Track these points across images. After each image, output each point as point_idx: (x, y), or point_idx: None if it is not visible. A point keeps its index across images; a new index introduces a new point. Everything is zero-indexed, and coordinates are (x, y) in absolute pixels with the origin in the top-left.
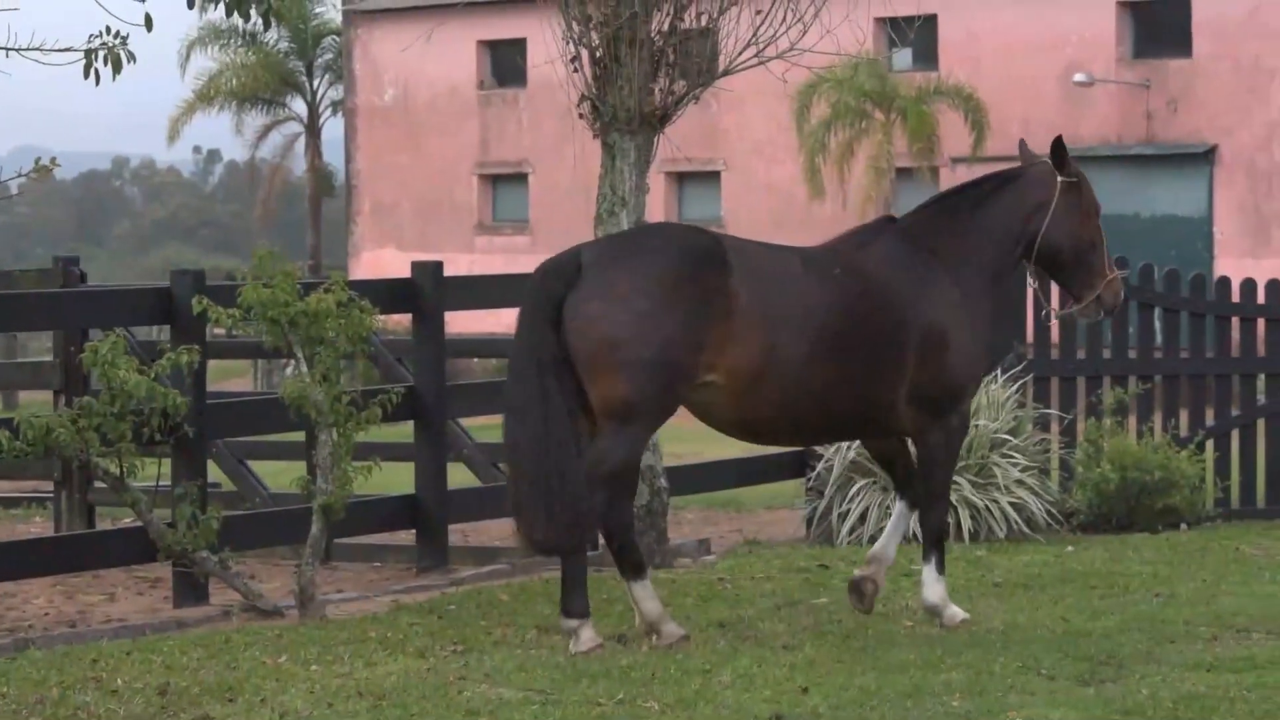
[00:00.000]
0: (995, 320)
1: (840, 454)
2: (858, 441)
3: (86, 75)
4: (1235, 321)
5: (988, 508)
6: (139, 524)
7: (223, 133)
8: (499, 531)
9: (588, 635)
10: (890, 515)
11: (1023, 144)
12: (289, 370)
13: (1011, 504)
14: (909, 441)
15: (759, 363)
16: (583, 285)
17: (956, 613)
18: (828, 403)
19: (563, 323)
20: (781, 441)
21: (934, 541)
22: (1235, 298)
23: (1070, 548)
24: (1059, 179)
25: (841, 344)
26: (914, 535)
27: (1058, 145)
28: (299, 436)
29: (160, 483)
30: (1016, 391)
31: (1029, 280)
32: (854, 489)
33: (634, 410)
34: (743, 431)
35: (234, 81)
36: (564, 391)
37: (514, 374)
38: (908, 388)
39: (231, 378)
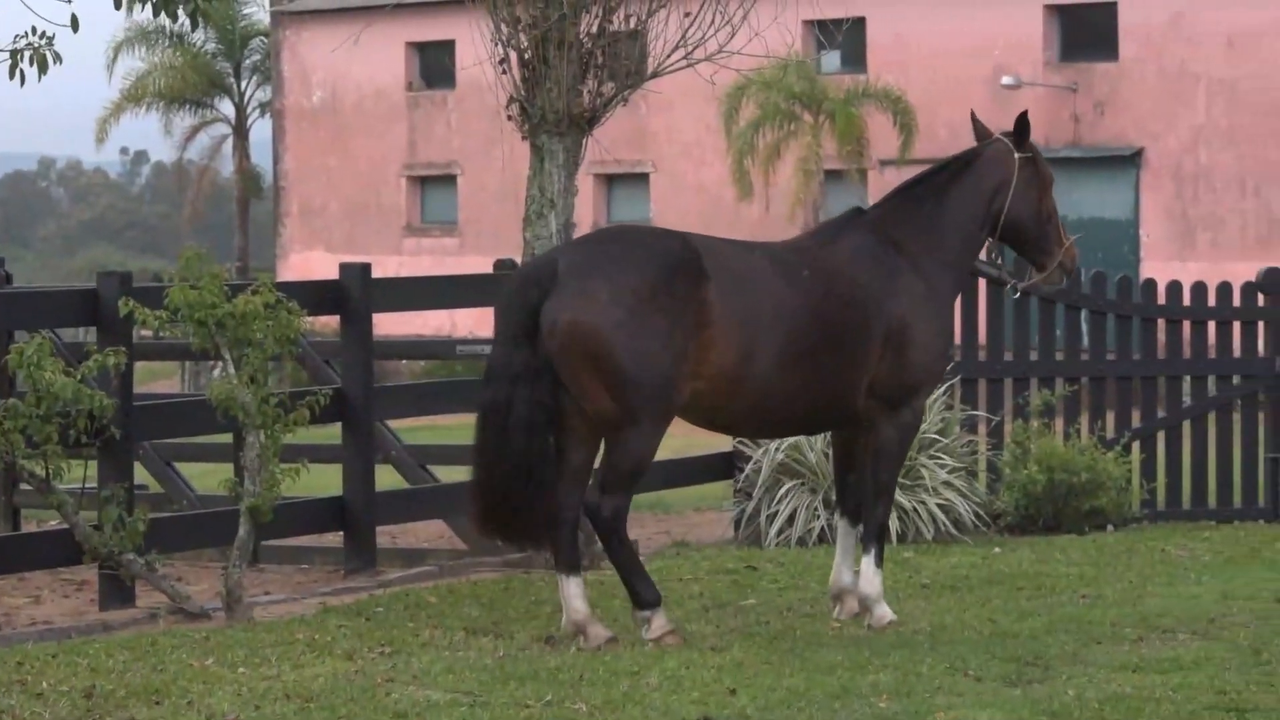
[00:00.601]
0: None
1: (769, 456)
2: (786, 443)
3: (12, 76)
4: (1161, 324)
5: (915, 509)
6: (65, 526)
7: (150, 134)
8: (427, 533)
9: (660, 622)
10: (816, 519)
11: (974, 117)
12: (216, 372)
13: (939, 505)
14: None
15: (737, 367)
16: (560, 294)
17: (886, 613)
18: (799, 398)
19: (540, 330)
20: (752, 435)
21: (875, 535)
22: (1161, 300)
23: (997, 549)
24: (1016, 155)
25: (812, 342)
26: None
27: (1021, 121)
28: (226, 438)
29: (87, 485)
30: (944, 393)
31: (983, 261)
32: (782, 491)
33: (631, 419)
34: (719, 428)
35: (161, 83)
36: (532, 402)
37: (487, 379)
38: (869, 380)
39: (159, 379)
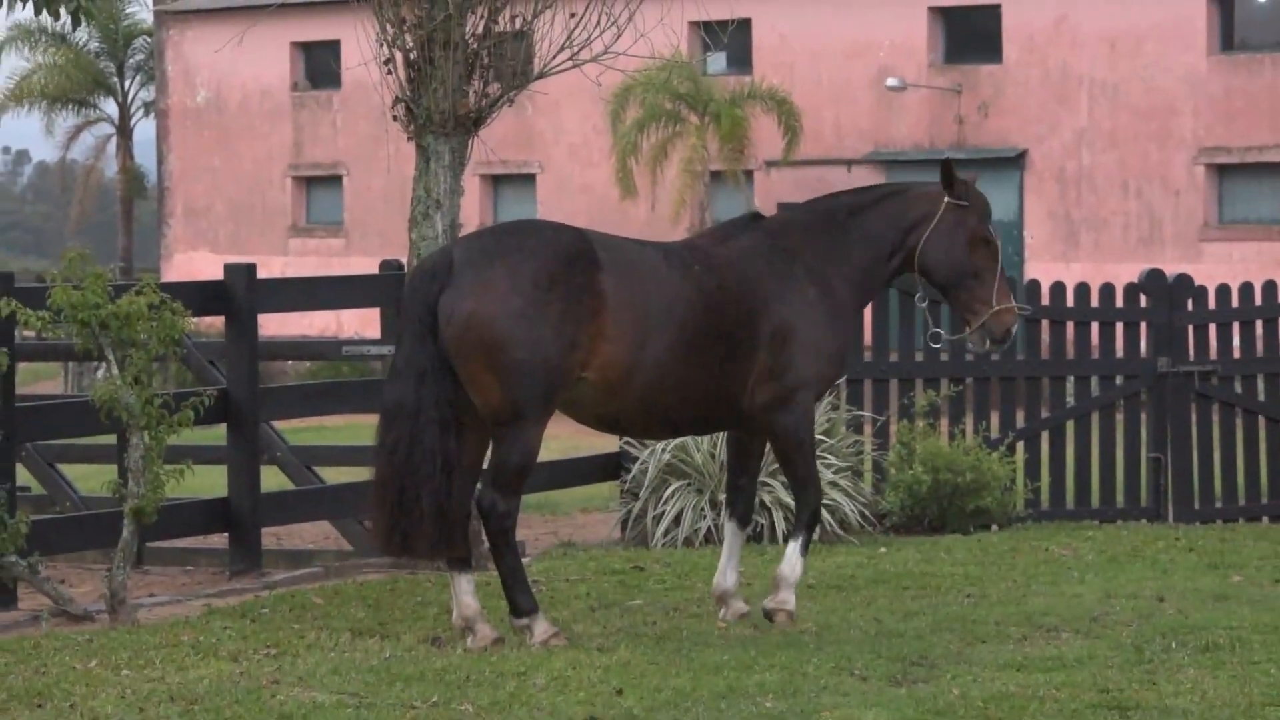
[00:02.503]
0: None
1: (655, 457)
2: (673, 444)
3: None
4: (1045, 325)
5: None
6: None
7: (32, 133)
8: (312, 535)
9: (542, 627)
10: (703, 519)
11: (947, 165)
12: (100, 373)
13: (825, 506)
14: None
15: (628, 360)
16: (458, 284)
17: (790, 600)
18: (688, 396)
19: (438, 325)
20: (642, 434)
21: (805, 524)
22: (1045, 301)
23: (883, 549)
24: (945, 198)
25: (701, 334)
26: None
27: (946, 167)
28: (110, 439)
29: None
30: (831, 394)
31: (919, 299)
32: (669, 491)
33: (518, 412)
34: (608, 426)
35: (44, 82)
36: (439, 401)
37: (391, 377)
38: (754, 379)
39: (41, 380)
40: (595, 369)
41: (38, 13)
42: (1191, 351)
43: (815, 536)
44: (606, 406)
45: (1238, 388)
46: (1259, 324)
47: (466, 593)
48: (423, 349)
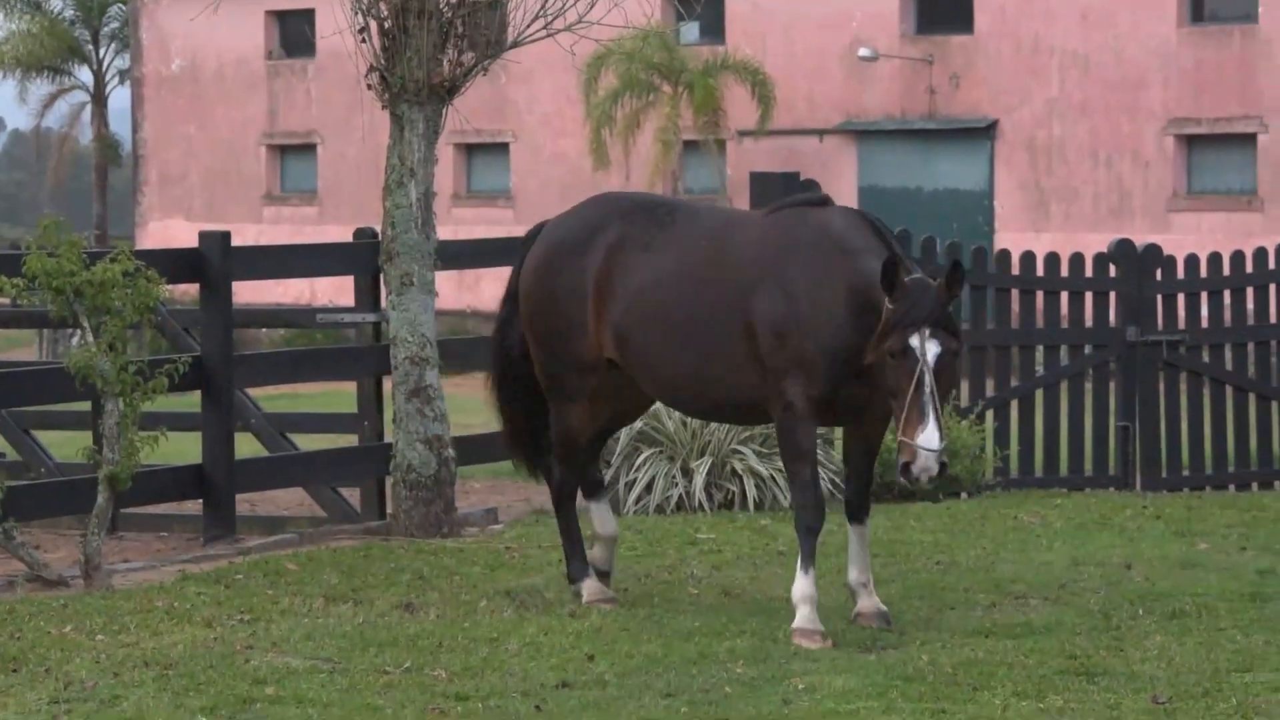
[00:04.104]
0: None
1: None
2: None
3: None
4: (1015, 294)
5: (773, 477)
6: None
7: (6, 101)
8: (286, 501)
9: (590, 588)
10: (675, 486)
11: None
12: (75, 340)
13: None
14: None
15: (614, 341)
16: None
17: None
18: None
19: None
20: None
21: (799, 533)
22: (1015, 271)
23: None
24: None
25: (686, 328)
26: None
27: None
28: (85, 406)
29: None
30: None
31: None
32: (640, 459)
33: (552, 387)
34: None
35: (19, 49)
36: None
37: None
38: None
39: (16, 347)
40: (608, 350)
41: None
42: (1160, 321)
43: (785, 504)
44: (642, 388)
45: (1206, 357)
46: (1227, 294)
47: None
48: (504, 308)
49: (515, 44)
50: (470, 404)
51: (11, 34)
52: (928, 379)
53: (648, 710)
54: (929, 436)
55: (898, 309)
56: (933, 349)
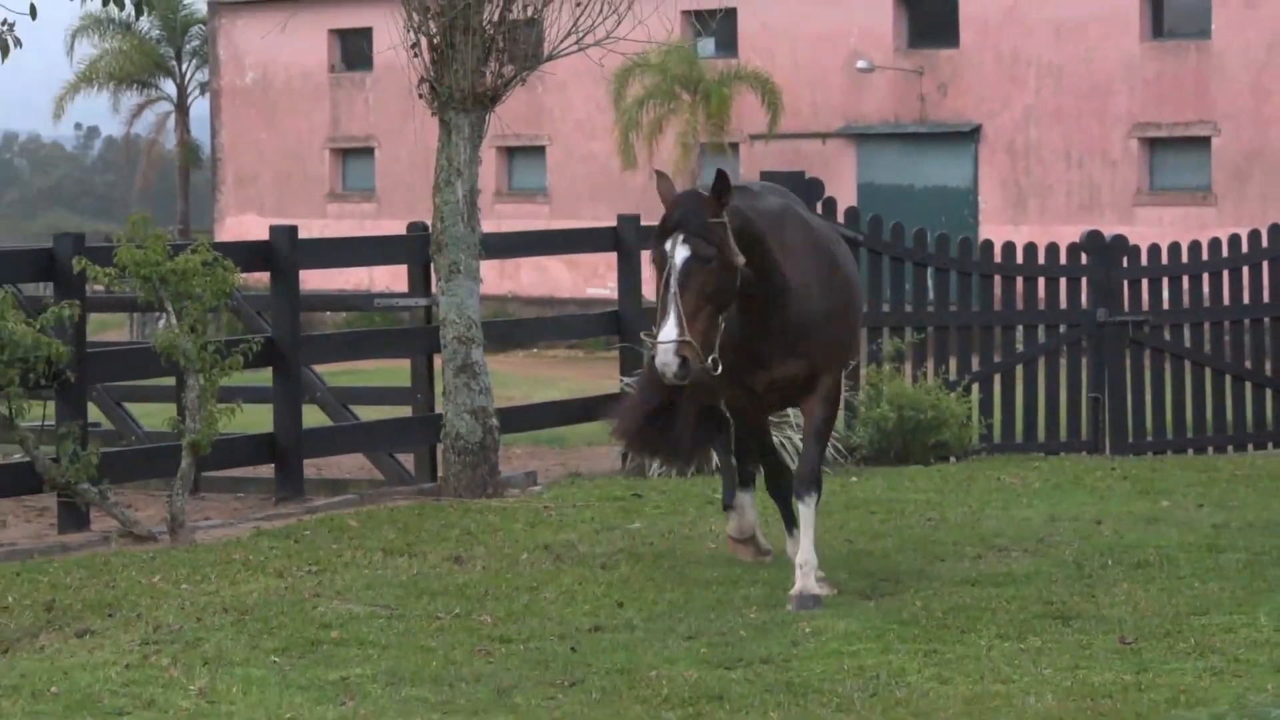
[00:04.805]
0: None
1: None
2: None
3: None
4: (997, 280)
5: (782, 444)
6: (27, 459)
7: (101, 111)
8: (349, 466)
9: (731, 525)
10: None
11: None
12: (160, 322)
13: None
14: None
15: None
16: None
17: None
18: None
19: None
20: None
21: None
22: (997, 259)
23: (854, 478)
24: None
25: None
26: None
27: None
28: (170, 381)
29: (45, 422)
30: None
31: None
32: None
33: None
34: None
35: (112, 65)
36: None
37: None
38: None
39: (109, 329)
40: None
41: (105, 4)
42: (1126, 303)
43: (792, 468)
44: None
45: (1167, 335)
46: (1185, 279)
47: (746, 507)
48: None
49: (550, 57)
50: (511, 379)
51: (106, 52)
52: (673, 281)
53: (671, 651)
54: (665, 332)
55: (663, 217)
56: (681, 254)
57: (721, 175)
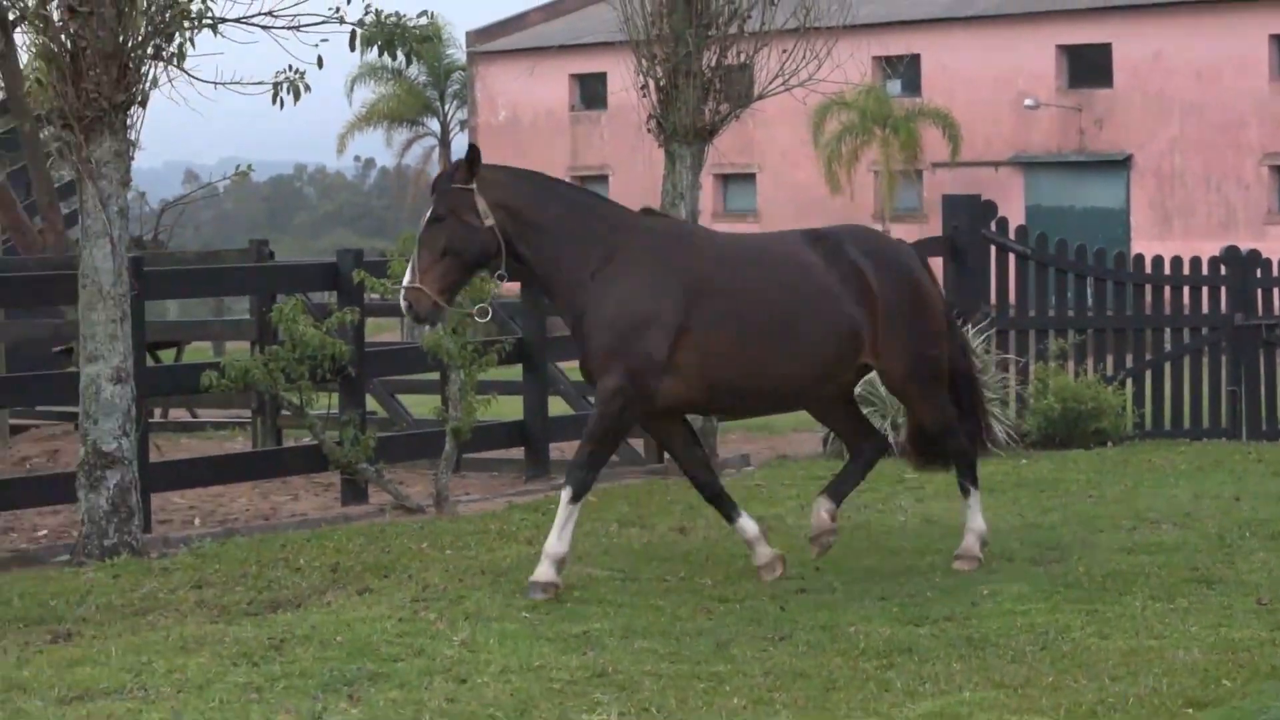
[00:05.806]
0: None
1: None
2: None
3: (274, 101)
4: (1148, 288)
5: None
6: (315, 442)
7: (377, 145)
8: None
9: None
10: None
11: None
12: (427, 326)
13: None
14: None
15: None
16: None
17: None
18: None
19: None
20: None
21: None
22: (1148, 270)
23: (1024, 461)
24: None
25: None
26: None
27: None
28: (435, 376)
29: (330, 411)
30: (983, 340)
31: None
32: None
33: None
34: None
35: (386, 107)
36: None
37: None
38: None
39: (384, 332)
40: None
41: (381, 55)
42: (1260, 309)
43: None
44: None
45: None
46: None
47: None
48: None
49: (760, 97)
50: None
51: (382, 96)
52: (419, 236)
53: (866, 610)
54: (405, 279)
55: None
56: (427, 214)
57: (472, 148)
